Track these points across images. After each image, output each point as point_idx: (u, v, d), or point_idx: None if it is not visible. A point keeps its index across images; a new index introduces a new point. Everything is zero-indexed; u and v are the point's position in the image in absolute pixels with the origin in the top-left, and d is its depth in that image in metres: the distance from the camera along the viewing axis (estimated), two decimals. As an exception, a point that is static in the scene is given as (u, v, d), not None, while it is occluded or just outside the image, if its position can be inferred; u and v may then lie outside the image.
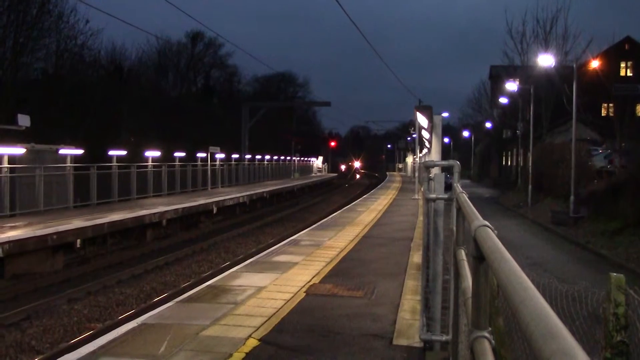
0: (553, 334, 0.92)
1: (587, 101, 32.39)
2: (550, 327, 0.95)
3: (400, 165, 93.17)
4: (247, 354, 5.55)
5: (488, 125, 60.09)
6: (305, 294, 8.03)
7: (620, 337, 4.79)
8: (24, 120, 18.14)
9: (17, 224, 14.35)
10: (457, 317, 2.90)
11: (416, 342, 5.89)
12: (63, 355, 6.11)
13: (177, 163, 27.30)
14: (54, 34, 32.00)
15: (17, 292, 12.08)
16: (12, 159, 16.92)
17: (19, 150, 17.02)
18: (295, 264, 10.35)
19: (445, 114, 53.90)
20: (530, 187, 32.60)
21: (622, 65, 46.86)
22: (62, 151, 19.51)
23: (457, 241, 3.52)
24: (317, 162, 76.65)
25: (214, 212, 23.55)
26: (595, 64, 30.95)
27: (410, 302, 7.64)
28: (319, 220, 20.24)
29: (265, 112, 51.13)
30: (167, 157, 27.36)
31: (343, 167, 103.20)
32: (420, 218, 15.41)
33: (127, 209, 18.41)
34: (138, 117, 39.04)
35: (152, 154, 24.82)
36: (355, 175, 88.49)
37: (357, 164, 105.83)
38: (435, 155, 7.32)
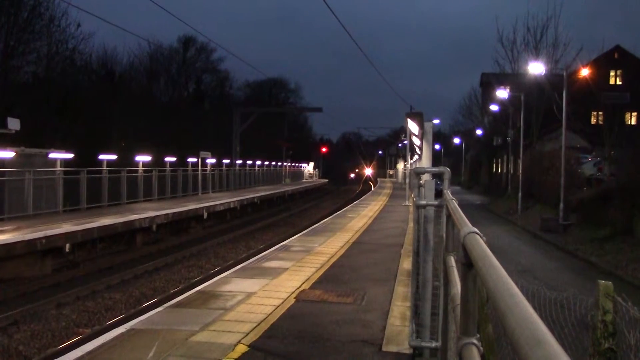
0: (539, 341, 0.93)
1: (576, 109, 32.65)
2: (536, 333, 0.96)
3: (391, 172, 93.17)
4: (236, 359, 5.53)
5: (479, 132, 60.31)
6: (295, 300, 8.01)
7: (608, 344, 4.82)
8: (13, 124, 18.03)
9: (5, 227, 14.24)
10: (447, 323, 2.90)
11: (405, 349, 5.89)
12: (50, 360, 6.06)
13: (167, 168, 27.21)
14: (45, 37, 31.91)
15: (5, 297, 11.99)
16: (1, 163, 16.84)
17: (8, 154, 16.92)
18: (286, 269, 10.33)
19: (436, 121, 54.03)
20: (520, 194, 32.77)
21: (612, 73, 47.32)
22: (52, 155, 19.40)
23: (446, 248, 3.53)
24: (308, 167, 76.60)
25: (205, 217, 23.49)
26: (585, 72, 31.18)
27: (400, 308, 7.64)
28: (309, 226, 20.21)
29: (257, 118, 51.09)
30: (157, 161, 27.25)
31: (352, 175, 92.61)
32: (411, 224, 15.42)
33: (117, 214, 18.32)
34: (129, 121, 38.90)
35: (142, 158, 24.72)
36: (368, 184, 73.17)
37: (368, 171, 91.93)
38: (425, 162, 7.32)
